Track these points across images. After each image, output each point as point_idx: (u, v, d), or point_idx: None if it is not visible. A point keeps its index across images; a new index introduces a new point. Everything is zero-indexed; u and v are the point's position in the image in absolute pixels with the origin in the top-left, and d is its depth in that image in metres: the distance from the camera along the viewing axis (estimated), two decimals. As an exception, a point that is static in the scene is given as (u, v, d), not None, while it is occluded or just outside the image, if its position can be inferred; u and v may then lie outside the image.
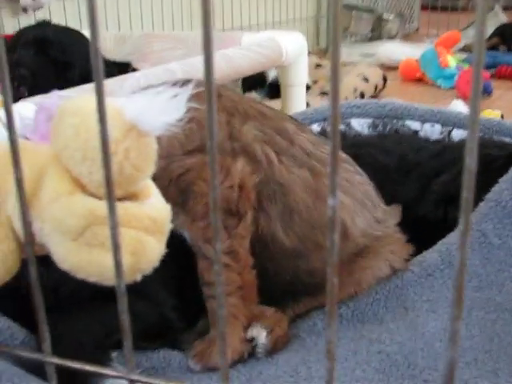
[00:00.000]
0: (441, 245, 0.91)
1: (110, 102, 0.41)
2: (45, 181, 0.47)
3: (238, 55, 1.41)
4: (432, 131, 1.22)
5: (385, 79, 2.43)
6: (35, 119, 0.51)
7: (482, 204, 0.93)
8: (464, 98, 2.23)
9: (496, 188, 0.94)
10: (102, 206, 0.46)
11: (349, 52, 3.04)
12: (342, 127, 1.22)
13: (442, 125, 1.21)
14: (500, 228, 0.91)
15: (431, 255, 0.90)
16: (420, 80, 2.69)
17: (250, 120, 0.82)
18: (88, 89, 1.06)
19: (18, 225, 0.49)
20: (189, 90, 0.45)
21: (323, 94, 2.15)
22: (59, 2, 2.12)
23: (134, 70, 1.63)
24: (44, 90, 1.27)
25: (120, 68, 1.63)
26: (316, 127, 1.27)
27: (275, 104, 1.75)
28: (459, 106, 1.71)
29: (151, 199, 0.49)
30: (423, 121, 1.22)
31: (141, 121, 0.44)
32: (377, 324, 0.82)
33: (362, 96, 2.21)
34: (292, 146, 0.82)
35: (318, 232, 0.80)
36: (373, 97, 2.28)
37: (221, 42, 1.64)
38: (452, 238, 0.90)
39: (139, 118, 0.44)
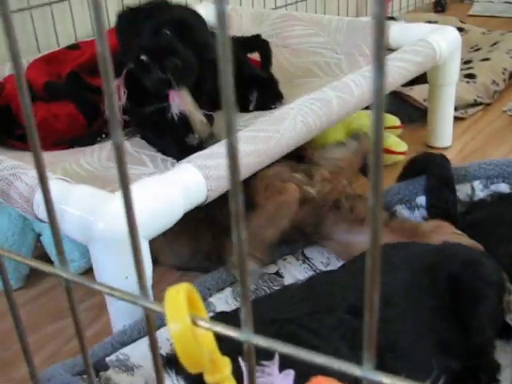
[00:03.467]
0: None
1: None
2: None
3: (394, 69, 1.31)
4: None
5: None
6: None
7: None
8: None
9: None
10: None
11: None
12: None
13: None
14: None
15: None
16: None
17: None
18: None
19: None
20: None
21: (469, 76, 1.95)
22: None
23: (267, 47, 1.55)
24: (189, 77, 1.18)
25: (253, 43, 1.55)
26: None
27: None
28: None
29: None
30: None
31: None
32: None
33: (511, 77, 2.01)
34: None
35: None
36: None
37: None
38: None
39: None
